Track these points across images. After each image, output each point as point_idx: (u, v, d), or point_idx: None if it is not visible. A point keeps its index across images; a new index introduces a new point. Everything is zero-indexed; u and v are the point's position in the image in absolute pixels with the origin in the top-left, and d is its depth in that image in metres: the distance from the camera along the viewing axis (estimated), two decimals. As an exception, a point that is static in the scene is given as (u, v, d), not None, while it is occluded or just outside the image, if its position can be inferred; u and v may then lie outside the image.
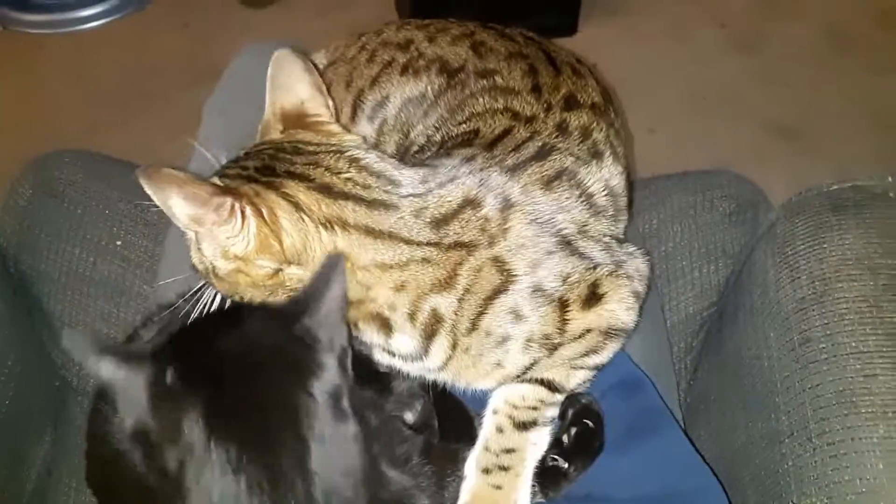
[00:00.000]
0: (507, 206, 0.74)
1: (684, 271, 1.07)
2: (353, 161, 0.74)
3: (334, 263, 0.65)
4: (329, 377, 0.61)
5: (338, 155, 0.74)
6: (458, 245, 0.72)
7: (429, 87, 0.90)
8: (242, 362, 0.62)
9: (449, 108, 0.87)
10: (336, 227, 0.71)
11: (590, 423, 0.82)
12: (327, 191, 0.71)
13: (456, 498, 0.79)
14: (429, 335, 0.74)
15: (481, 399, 0.83)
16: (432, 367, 0.78)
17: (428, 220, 0.72)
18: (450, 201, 0.73)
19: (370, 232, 0.71)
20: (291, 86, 0.80)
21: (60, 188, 1.09)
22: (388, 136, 0.92)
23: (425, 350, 0.76)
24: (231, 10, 2.54)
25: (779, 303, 0.83)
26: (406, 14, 2.30)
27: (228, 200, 0.68)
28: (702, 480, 0.83)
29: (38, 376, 1.05)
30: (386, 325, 0.74)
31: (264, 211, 0.70)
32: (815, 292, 0.80)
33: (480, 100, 0.86)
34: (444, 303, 0.72)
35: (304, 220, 0.70)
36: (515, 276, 0.73)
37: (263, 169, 0.73)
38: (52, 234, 1.08)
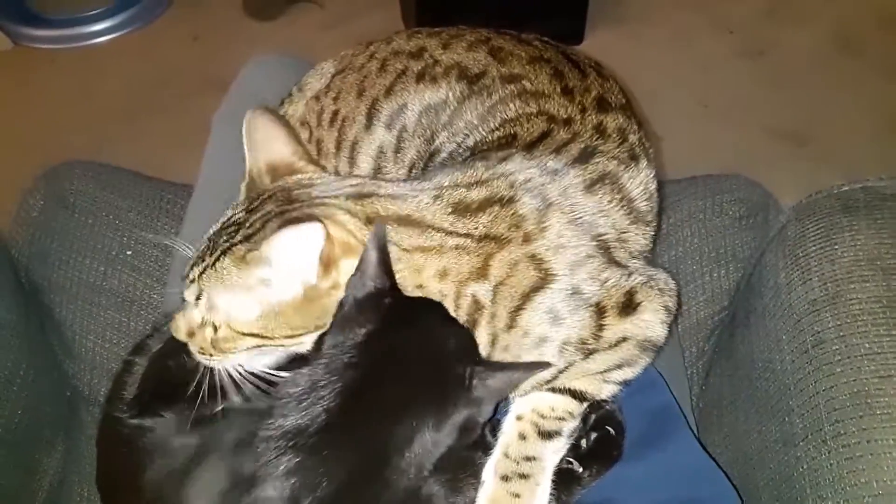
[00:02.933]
0: (545, 205, 0.74)
1: (695, 276, 1.07)
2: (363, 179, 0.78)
3: (374, 232, 0.69)
4: None
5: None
6: (488, 237, 0.72)
7: (450, 94, 0.90)
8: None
9: (478, 115, 0.87)
10: (375, 220, 0.73)
11: (611, 431, 0.81)
12: (356, 196, 0.74)
13: (472, 502, 0.78)
14: (472, 323, 0.74)
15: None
16: None
17: (449, 209, 0.74)
18: (474, 195, 0.75)
19: (402, 220, 0.73)
20: (270, 143, 0.81)
21: (71, 199, 1.10)
22: (409, 142, 0.92)
23: None
24: (238, 23, 2.57)
25: (790, 305, 0.83)
26: (412, 24, 2.31)
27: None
28: (717, 487, 0.82)
29: (50, 386, 1.05)
30: None
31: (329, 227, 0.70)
32: (828, 294, 0.79)
33: (511, 105, 0.85)
34: (481, 290, 0.72)
35: (352, 223, 0.72)
36: (554, 275, 0.73)
37: (288, 203, 0.74)
38: (63, 244, 1.08)
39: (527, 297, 0.72)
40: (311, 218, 0.68)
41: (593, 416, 0.82)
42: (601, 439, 0.82)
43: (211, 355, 0.75)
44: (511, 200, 0.74)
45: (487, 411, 0.67)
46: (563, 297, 0.73)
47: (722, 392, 0.99)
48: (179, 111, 2.23)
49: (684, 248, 1.08)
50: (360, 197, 0.74)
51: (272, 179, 0.79)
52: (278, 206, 0.73)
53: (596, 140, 0.80)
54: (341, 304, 0.69)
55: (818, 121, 2.17)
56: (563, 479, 0.81)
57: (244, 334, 0.72)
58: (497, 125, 0.85)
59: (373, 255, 0.68)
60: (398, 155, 0.93)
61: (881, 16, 2.43)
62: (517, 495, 0.77)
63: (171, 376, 0.81)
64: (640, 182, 0.80)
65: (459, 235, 0.72)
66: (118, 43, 2.56)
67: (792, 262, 0.84)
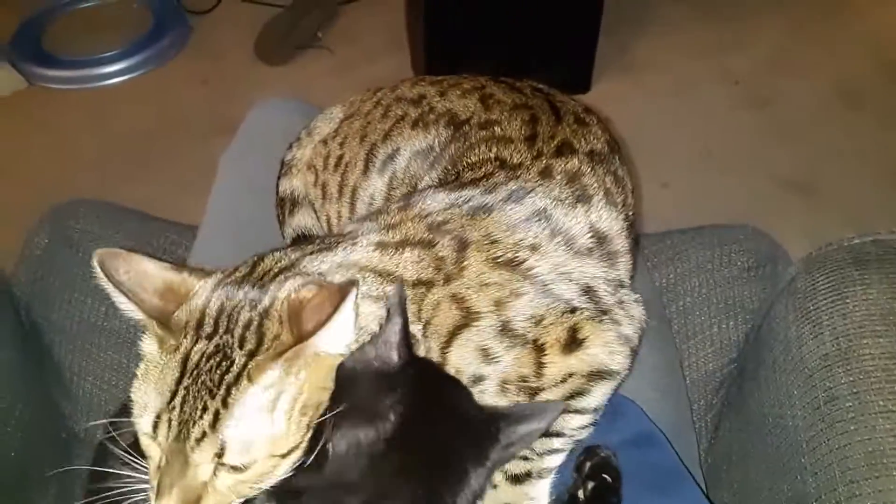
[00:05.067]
0: (462, 245, 0.74)
1: (703, 327, 1.05)
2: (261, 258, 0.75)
3: (396, 295, 0.68)
4: None
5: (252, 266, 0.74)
6: (419, 283, 0.73)
7: (436, 140, 0.91)
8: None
9: (451, 160, 0.88)
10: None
11: (608, 478, 0.79)
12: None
13: None
14: None
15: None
16: None
17: (372, 248, 0.74)
18: (389, 237, 0.75)
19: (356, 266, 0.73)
20: (143, 275, 0.69)
21: (76, 238, 1.10)
22: (399, 189, 0.92)
23: None
24: (249, 68, 2.60)
25: (802, 359, 0.81)
26: (421, 71, 2.34)
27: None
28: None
29: (46, 427, 1.04)
30: None
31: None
32: (840, 349, 0.77)
33: (477, 150, 0.87)
34: (415, 329, 0.72)
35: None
36: (477, 313, 0.72)
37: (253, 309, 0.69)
38: (65, 283, 1.08)
39: (452, 335, 0.73)
40: (343, 286, 0.65)
41: (588, 465, 0.80)
42: (598, 488, 0.79)
43: None
44: (430, 243, 0.74)
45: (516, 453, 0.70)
46: (493, 335, 0.73)
47: (731, 447, 0.97)
48: (187, 153, 2.24)
49: (692, 299, 1.07)
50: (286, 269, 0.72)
51: (174, 306, 0.69)
52: (251, 310, 0.67)
53: (535, 182, 0.80)
54: (349, 369, 0.67)
55: (822, 170, 2.17)
56: (567, 534, 0.78)
57: (286, 454, 0.65)
58: (460, 169, 0.86)
59: (397, 323, 0.67)
60: (386, 203, 0.93)
61: (886, 68, 2.45)
62: None
63: None
64: (584, 220, 0.80)
65: (393, 279, 0.72)
66: (130, 85, 2.60)
67: (802, 315, 0.83)
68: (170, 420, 0.63)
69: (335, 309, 0.63)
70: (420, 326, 0.72)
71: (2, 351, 0.98)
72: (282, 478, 0.66)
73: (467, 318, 0.73)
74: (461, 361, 0.73)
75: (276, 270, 0.71)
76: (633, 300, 0.82)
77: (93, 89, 2.59)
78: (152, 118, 2.46)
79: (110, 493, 0.70)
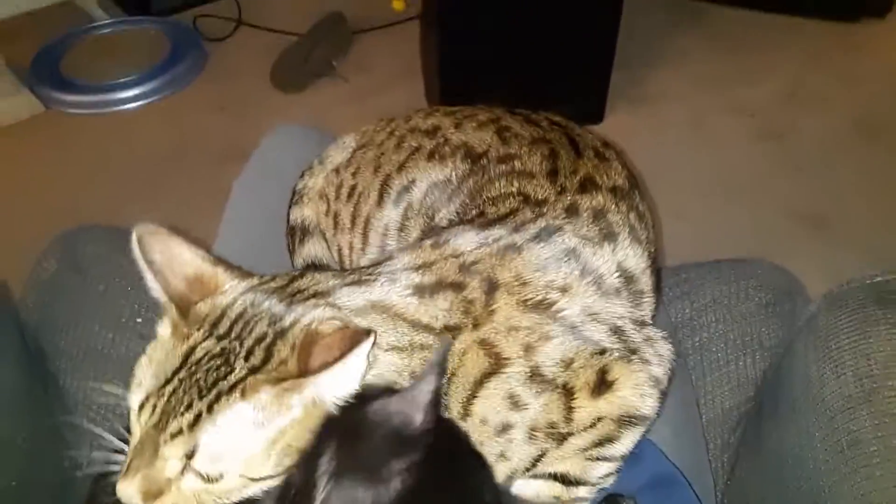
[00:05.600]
0: (492, 287, 0.72)
1: (720, 364, 1.03)
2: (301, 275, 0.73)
3: (438, 355, 0.64)
4: None
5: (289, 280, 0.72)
6: (447, 328, 0.70)
7: (453, 173, 0.90)
8: None
9: (469, 194, 0.87)
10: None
11: None
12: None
13: None
14: None
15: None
16: None
17: (408, 292, 0.71)
18: (425, 279, 0.72)
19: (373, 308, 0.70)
20: (176, 259, 0.71)
21: (85, 264, 1.09)
22: (414, 220, 0.91)
23: None
24: (265, 95, 2.62)
25: (823, 400, 0.78)
26: (435, 101, 2.35)
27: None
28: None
29: (48, 456, 1.02)
30: None
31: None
32: (863, 390, 0.75)
33: (497, 184, 0.85)
34: None
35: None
36: (507, 359, 0.70)
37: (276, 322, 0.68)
38: (73, 309, 1.07)
39: (479, 384, 0.70)
40: (356, 334, 0.63)
41: None
42: None
43: None
44: (462, 286, 0.72)
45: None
46: (522, 381, 0.70)
47: (749, 488, 0.93)
48: (201, 179, 2.25)
49: (709, 334, 1.04)
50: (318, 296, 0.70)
51: (198, 297, 0.70)
52: (269, 325, 0.66)
53: (563, 220, 0.79)
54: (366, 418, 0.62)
55: (837, 204, 2.15)
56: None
57: (257, 479, 0.64)
58: (479, 203, 0.84)
59: (432, 383, 0.61)
60: (402, 234, 0.91)
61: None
62: None
63: None
64: (611, 259, 0.78)
65: (422, 329, 0.70)
66: (147, 110, 2.62)
67: (824, 354, 0.80)
68: (154, 406, 0.63)
69: (342, 354, 0.61)
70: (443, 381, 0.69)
71: (7, 376, 0.96)
72: (248, 498, 0.65)
73: (496, 365, 0.70)
74: (488, 411, 0.70)
75: (310, 292, 0.70)
76: (661, 337, 0.80)
77: (109, 114, 2.61)
78: (167, 143, 2.48)
79: None
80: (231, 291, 0.70)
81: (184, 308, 0.68)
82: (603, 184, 0.84)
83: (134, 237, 0.69)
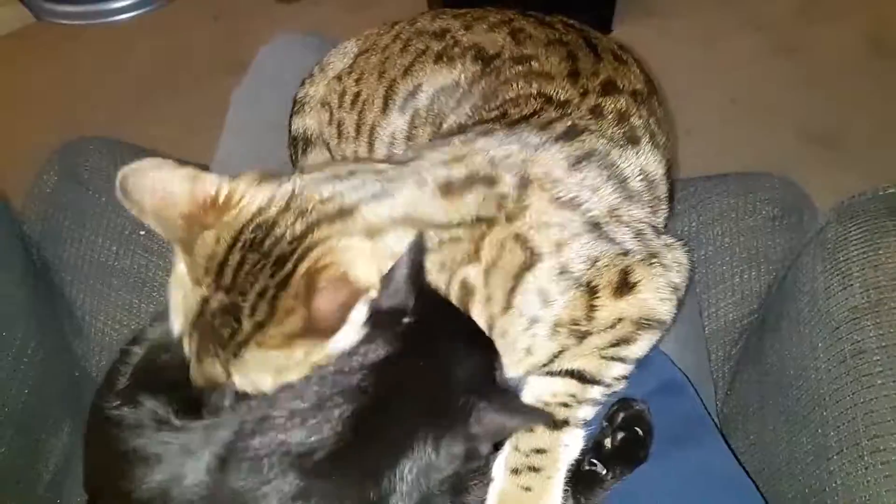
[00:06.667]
0: (524, 183, 0.71)
1: (724, 277, 1.03)
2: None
3: (413, 242, 0.65)
4: None
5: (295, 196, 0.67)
6: (479, 220, 0.70)
7: (462, 76, 0.87)
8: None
9: (483, 96, 0.85)
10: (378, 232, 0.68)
11: (639, 432, 0.78)
12: (340, 215, 0.67)
13: (480, 501, 0.75)
14: (463, 309, 0.71)
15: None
16: None
17: (438, 193, 0.69)
18: (455, 172, 0.71)
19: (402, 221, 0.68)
20: (167, 193, 0.66)
21: (85, 175, 1.08)
22: (421, 128, 0.89)
23: None
24: (260, 4, 2.54)
25: (829, 312, 0.79)
26: (438, 7, 2.27)
27: None
28: (746, 497, 0.78)
29: (58, 366, 1.03)
30: None
31: None
32: (870, 301, 0.75)
33: (514, 85, 0.83)
34: (472, 273, 0.69)
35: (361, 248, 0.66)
36: (539, 254, 0.70)
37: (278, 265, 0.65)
38: (75, 221, 1.06)
39: (518, 277, 0.70)
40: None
41: (621, 416, 0.79)
42: (627, 440, 0.78)
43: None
44: (493, 180, 0.71)
45: (486, 447, 0.65)
46: (552, 277, 0.70)
47: (749, 398, 0.95)
48: (198, 91, 2.21)
49: (714, 248, 1.04)
50: (343, 214, 0.66)
51: (198, 228, 0.65)
52: (270, 275, 0.63)
53: (588, 120, 0.78)
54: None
55: (849, 120, 2.11)
56: (585, 481, 0.78)
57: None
58: (496, 106, 0.82)
59: (404, 267, 0.63)
60: (409, 143, 0.89)
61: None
62: (528, 489, 0.75)
63: (163, 368, 0.77)
64: (635, 163, 0.78)
65: (453, 227, 0.69)
66: (141, 21, 2.55)
67: (832, 266, 0.80)
68: (189, 340, 0.67)
69: (343, 314, 0.61)
70: (480, 269, 0.69)
71: (14, 289, 0.97)
72: None
73: (531, 260, 0.70)
74: (524, 304, 0.71)
75: (319, 214, 0.65)
76: (679, 244, 0.79)
77: (102, 25, 2.54)
78: (162, 55, 2.42)
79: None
80: (231, 223, 0.65)
81: (187, 247, 0.65)
82: (624, 87, 0.83)
83: (118, 183, 0.65)
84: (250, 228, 0.65)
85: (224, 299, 0.63)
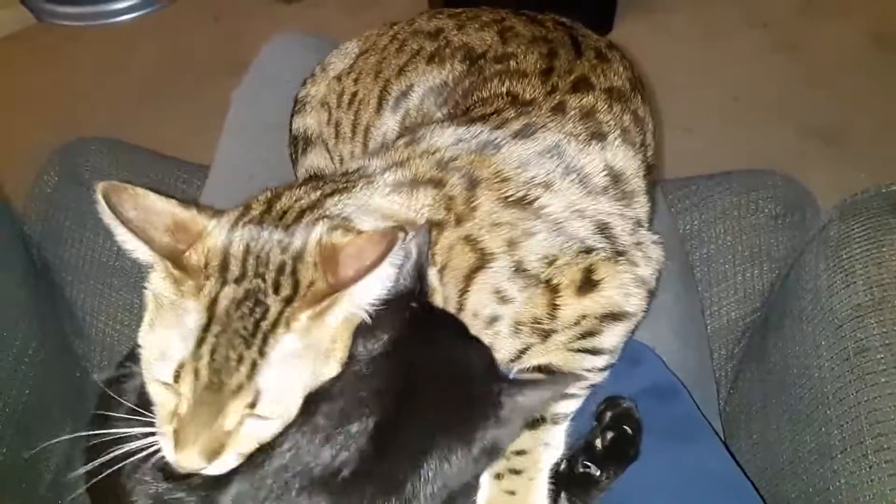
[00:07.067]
0: (472, 183, 0.72)
1: (727, 275, 1.02)
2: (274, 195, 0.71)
3: (421, 230, 0.67)
4: None
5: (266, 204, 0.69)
6: (431, 224, 0.70)
7: (450, 75, 0.88)
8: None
9: (464, 94, 0.85)
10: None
11: (628, 430, 0.77)
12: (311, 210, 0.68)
13: None
14: None
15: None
16: None
17: (386, 191, 0.71)
18: (398, 176, 0.72)
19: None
20: (152, 211, 0.64)
21: (86, 176, 1.08)
22: (411, 128, 0.89)
23: None
24: (261, 5, 2.55)
25: (832, 309, 0.78)
26: (438, 6, 2.27)
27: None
28: (744, 498, 0.78)
29: (59, 366, 1.03)
30: None
31: None
32: (873, 298, 0.75)
33: (489, 84, 0.83)
34: (430, 273, 0.70)
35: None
36: (491, 254, 0.71)
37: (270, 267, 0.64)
38: (76, 221, 1.06)
39: (469, 278, 0.71)
40: (388, 234, 0.61)
41: (609, 415, 0.78)
42: (617, 439, 0.77)
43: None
44: (440, 182, 0.72)
45: (514, 432, 0.65)
46: (507, 276, 0.71)
47: (751, 397, 0.95)
48: (198, 92, 2.21)
49: (716, 246, 1.03)
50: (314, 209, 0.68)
51: (185, 245, 0.63)
52: (281, 252, 0.63)
53: (546, 118, 0.78)
54: None
55: (851, 117, 2.11)
56: (580, 484, 0.77)
57: None
58: (470, 104, 0.83)
59: (414, 250, 0.65)
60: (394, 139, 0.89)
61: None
62: (512, 492, 0.74)
63: None
64: (598, 158, 0.77)
65: (410, 225, 0.68)
66: (141, 22, 2.56)
67: (835, 263, 0.80)
68: (196, 370, 0.59)
69: (380, 257, 0.59)
70: (436, 270, 0.70)
71: (15, 289, 0.97)
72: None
73: (482, 260, 0.71)
74: (478, 304, 0.72)
75: (297, 210, 0.67)
76: (652, 241, 0.79)
77: (102, 26, 2.55)
78: (163, 56, 2.42)
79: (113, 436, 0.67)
80: (218, 231, 0.64)
81: (177, 261, 0.62)
82: (598, 84, 0.82)
83: (100, 197, 0.62)
84: (245, 220, 0.65)
85: (237, 290, 0.61)
